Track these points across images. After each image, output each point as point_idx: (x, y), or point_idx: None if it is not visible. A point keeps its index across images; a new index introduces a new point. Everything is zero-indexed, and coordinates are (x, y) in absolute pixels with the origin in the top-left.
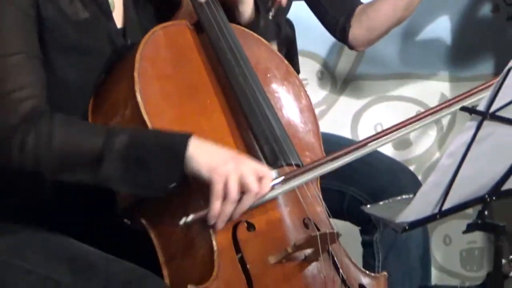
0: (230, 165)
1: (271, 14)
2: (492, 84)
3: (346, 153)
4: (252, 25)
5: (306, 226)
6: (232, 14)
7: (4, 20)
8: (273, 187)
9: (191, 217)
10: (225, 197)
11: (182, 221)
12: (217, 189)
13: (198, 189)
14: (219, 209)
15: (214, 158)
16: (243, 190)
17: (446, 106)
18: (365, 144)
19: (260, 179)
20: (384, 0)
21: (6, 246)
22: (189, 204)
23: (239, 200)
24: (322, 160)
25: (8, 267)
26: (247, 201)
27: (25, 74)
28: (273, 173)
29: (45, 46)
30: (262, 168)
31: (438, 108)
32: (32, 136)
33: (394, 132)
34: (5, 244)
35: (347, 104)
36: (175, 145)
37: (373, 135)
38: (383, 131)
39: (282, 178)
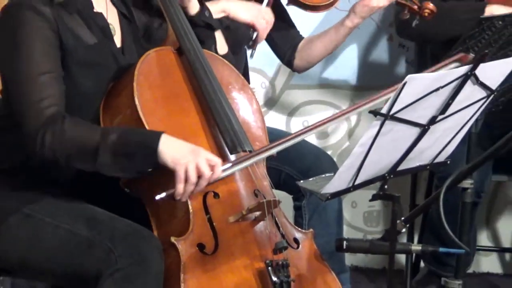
0: (189, 157)
1: (252, 53)
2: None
3: (279, 143)
4: (199, 16)
5: (256, 195)
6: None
7: (32, 48)
8: (224, 170)
9: (163, 194)
10: (186, 180)
11: (157, 197)
12: (179, 175)
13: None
14: (182, 190)
15: (177, 152)
16: (199, 175)
17: (353, 109)
18: (294, 137)
19: (212, 167)
20: (318, 41)
21: (41, 208)
22: (166, 181)
23: (197, 182)
24: (259, 150)
25: (42, 222)
26: (203, 183)
27: (49, 88)
28: (232, 157)
29: (67, 64)
30: (214, 158)
31: (347, 110)
32: (49, 135)
33: (314, 129)
34: (40, 206)
35: (283, 106)
36: (150, 142)
37: (300, 130)
38: (307, 127)
39: (230, 164)
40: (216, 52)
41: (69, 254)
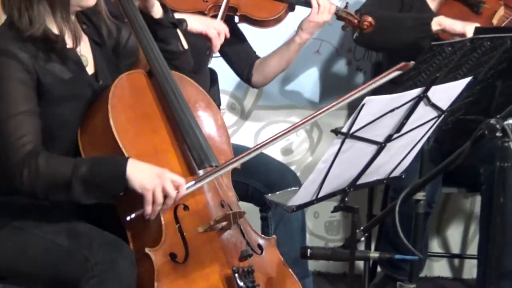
0: (156, 181)
1: (209, 61)
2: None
3: (238, 158)
4: (163, 21)
5: (222, 206)
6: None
7: (11, 90)
8: (188, 188)
9: (133, 215)
10: (153, 202)
11: (128, 218)
12: (147, 198)
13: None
14: (150, 210)
15: (144, 177)
16: (165, 196)
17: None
18: (252, 151)
19: (177, 187)
20: (272, 58)
21: (29, 222)
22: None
23: (164, 202)
24: (221, 165)
25: (29, 234)
26: (169, 202)
27: (27, 126)
28: (200, 172)
29: (47, 100)
30: (178, 179)
31: (302, 121)
32: (27, 170)
33: (272, 141)
34: (28, 220)
35: (250, 126)
36: (118, 170)
37: (256, 146)
38: (261, 143)
39: (193, 182)
40: (183, 47)
41: (52, 262)
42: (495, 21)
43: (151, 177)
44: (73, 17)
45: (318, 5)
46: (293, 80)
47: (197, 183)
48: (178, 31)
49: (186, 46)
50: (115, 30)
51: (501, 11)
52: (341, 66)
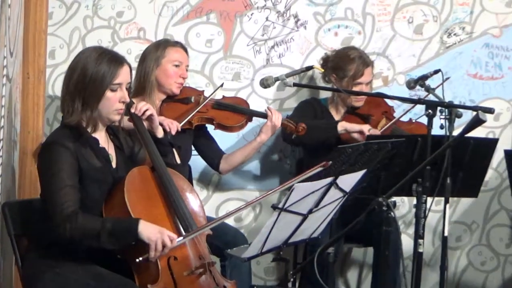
0: (157, 235)
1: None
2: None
3: (209, 224)
4: (163, 140)
5: (200, 258)
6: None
7: (62, 170)
8: (178, 241)
9: (141, 258)
10: (155, 249)
11: (137, 260)
12: (152, 246)
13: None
14: (153, 255)
15: (149, 232)
16: (164, 245)
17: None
18: (218, 220)
19: (171, 240)
20: (238, 152)
21: (65, 268)
22: (141, 250)
23: (162, 249)
24: (198, 228)
25: (66, 278)
26: (166, 250)
27: (69, 195)
28: (184, 233)
29: (82, 179)
30: (172, 235)
31: (254, 200)
32: (68, 226)
33: (232, 214)
34: (65, 267)
35: (213, 201)
36: (132, 226)
37: (220, 217)
38: (224, 214)
39: (182, 237)
40: (176, 161)
41: None
42: (378, 128)
43: (154, 232)
44: (104, 129)
45: (272, 114)
46: (242, 170)
47: (184, 239)
48: (174, 150)
49: (179, 161)
50: (130, 141)
51: (383, 121)
52: (274, 161)
